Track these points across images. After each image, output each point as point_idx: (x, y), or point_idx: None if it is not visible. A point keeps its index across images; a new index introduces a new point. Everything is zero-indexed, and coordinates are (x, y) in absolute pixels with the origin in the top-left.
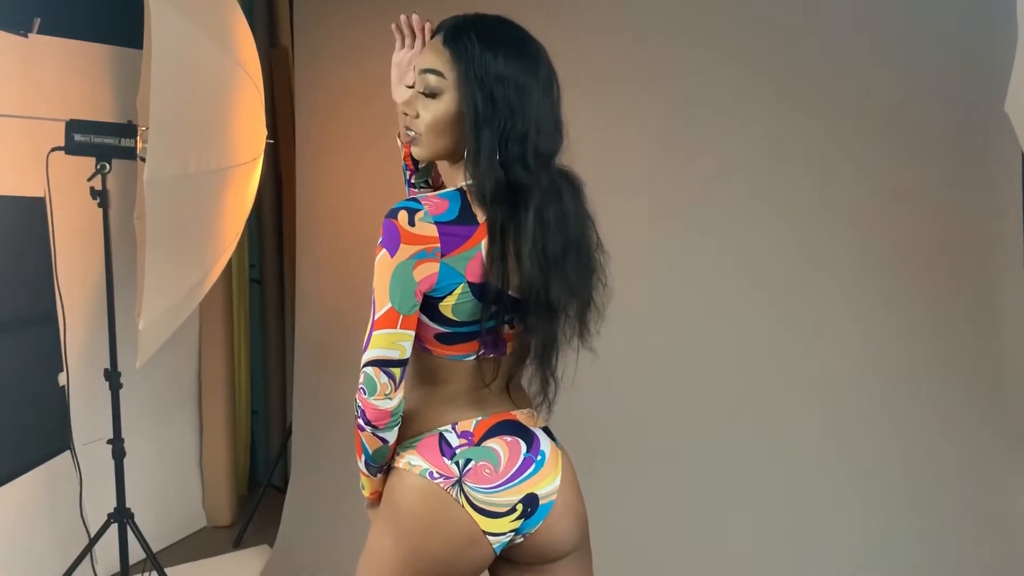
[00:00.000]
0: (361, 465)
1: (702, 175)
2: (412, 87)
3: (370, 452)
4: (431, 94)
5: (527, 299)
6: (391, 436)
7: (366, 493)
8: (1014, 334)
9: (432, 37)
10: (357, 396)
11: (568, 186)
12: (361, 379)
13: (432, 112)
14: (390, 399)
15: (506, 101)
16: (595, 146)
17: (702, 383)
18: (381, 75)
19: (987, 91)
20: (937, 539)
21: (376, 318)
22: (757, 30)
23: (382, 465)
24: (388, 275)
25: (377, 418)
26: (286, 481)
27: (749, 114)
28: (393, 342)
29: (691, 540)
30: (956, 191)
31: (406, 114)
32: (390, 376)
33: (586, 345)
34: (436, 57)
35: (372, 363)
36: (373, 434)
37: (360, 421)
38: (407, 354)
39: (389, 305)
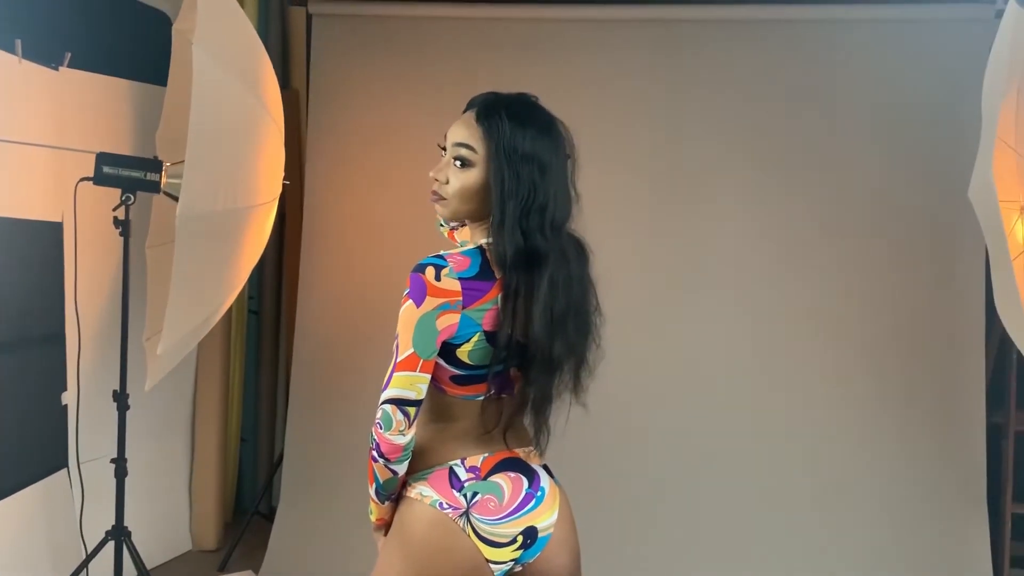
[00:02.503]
0: (372, 492)
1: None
2: (443, 149)
3: (381, 482)
4: (463, 164)
5: (531, 352)
6: (401, 469)
7: (373, 519)
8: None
9: (464, 112)
10: (373, 430)
11: (575, 251)
12: (378, 415)
13: (461, 181)
14: (403, 435)
15: (530, 177)
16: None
17: (679, 428)
18: (394, 120)
19: (957, 176)
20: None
21: (398, 360)
22: (750, 111)
23: (391, 494)
24: (413, 324)
25: (390, 451)
26: (271, 509)
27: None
28: (411, 383)
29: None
30: (923, 265)
31: (436, 180)
32: (405, 414)
33: (579, 400)
34: (469, 133)
35: (390, 401)
36: (385, 466)
37: (374, 453)
38: (422, 395)
39: (411, 350)
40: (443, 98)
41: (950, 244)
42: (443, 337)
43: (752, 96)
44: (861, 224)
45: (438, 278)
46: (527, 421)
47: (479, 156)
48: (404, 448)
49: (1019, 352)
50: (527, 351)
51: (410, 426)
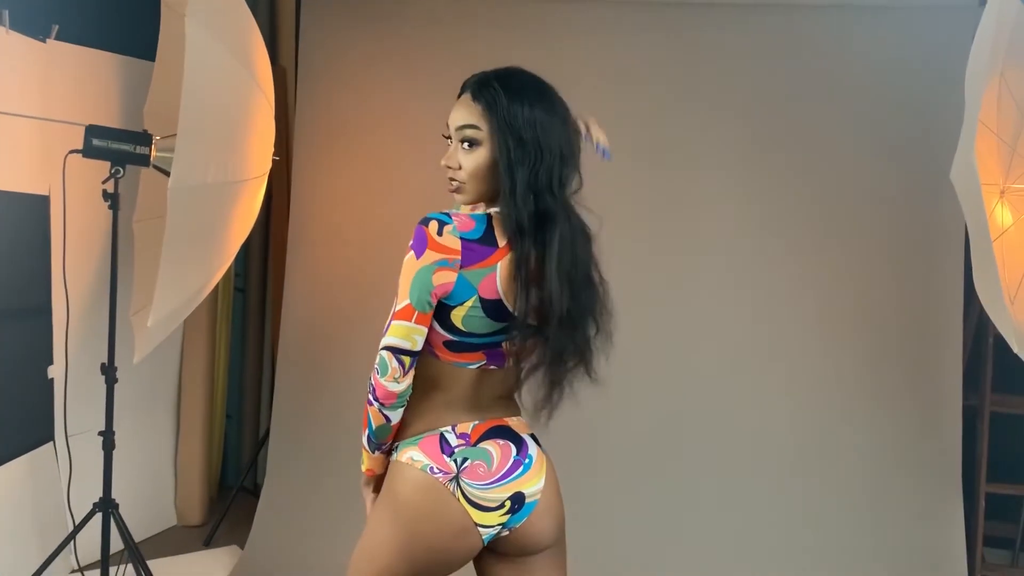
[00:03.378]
0: (364, 439)
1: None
2: (448, 139)
3: (373, 427)
4: (470, 144)
5: (548, 313)
6: (394, 416)
7: (363, 468)
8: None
9: (459, 96)
10: (372, 375)
11: (573, 212)
12: (377, 360)
13: (473, 161)
14: (398, 382)
15: (534, 140)
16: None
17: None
18: (383, 99)
19: (943, 157)
20: (866, 560)
21: (396, 309)
22: (732, 98)
23: (382, 443)
24: (412, 274)
25: (385, 397)
26: (256, 485)
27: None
28: (407, 334)
29: (653, 538)
30: (902, 249)
31: (448, 167)
32: (400, 363)
33: (590, 373)
34: (469, 112)
35: (387, 348)
36: (380, 411)
37: (370, 396)
38: (418, 347)
39: (408, 301)
40: (434, 76)
41: (929, 229)
42: (438, 294)
43: (732, 83)
44: (841, 209)
45: (440, 233)
46: (534, 386)
47: (484, 133)
48: (398, 395)
49: (995, 337)
50: (541, 314)
51: (404, 374)
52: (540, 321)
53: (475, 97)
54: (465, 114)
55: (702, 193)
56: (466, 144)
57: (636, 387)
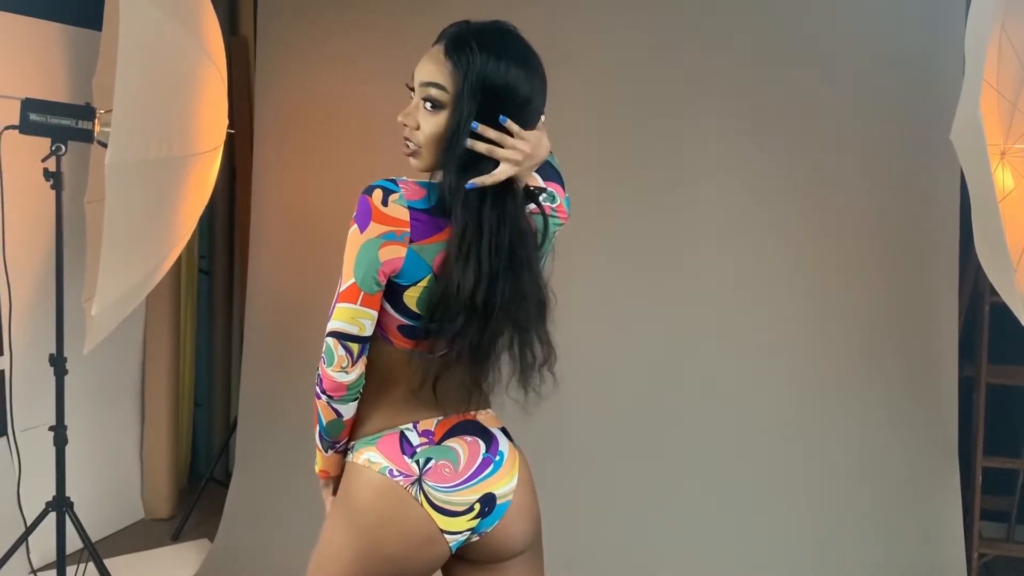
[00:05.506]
0: (316, 437)
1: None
2: (411, 90)
3: (324, 423)
4: (433, 106)
5: (490, 295)
6: (346, 411)
7: (316, 468)
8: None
9: (433, 45)
10: (319, 364)
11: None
12: (323, 348)
13: (433, 126)
14: (346, 373)
15: (505, 111)
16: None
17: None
18: (345, 70)
19: (937, 120)
20: (862, 534)
21: (340, 290)
22: (720, 64)
23: (335, 441)
24: (356, 250)
25: (332, 389)
26: (227, 475)
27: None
28: (353, 317)
29: (638, 542)
30: (896, 221)
31: (405, 125)
32: (348, 351)
33: (525, 387)
34: (437, 69)
35: (332, 334)
36: (328, 404)
37: (318, 389)
38: (366, 332)
39: (352, 280)
40: (401, 48)
41: (924, 199)
42: (387, 271)
43: (721, 49)
44: (832, 175)
45: (385, 203)
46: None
47: (450, 96)
48: (348, 387)
49: (991, 305)
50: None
51: (353, 364)
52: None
53: (447, 53)
54: (432, 70)
55: (683, 158)
56: (428, 104)
57: (608, 382)
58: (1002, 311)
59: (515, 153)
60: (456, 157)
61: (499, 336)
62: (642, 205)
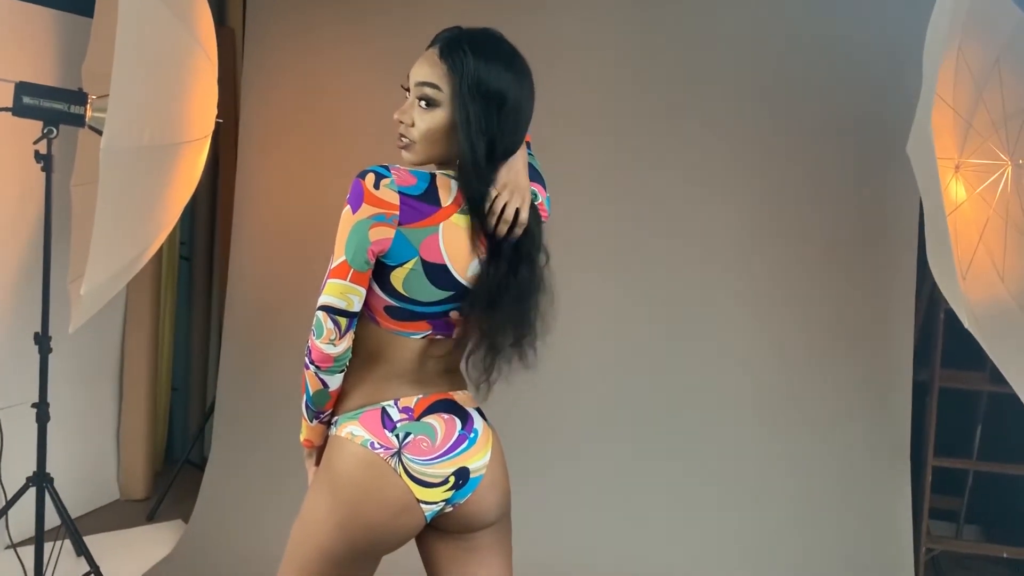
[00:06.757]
0: (302, 407)
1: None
2: (407, 91)
3: (311, 393)
4: (428, 104)
5: (495, 289)
6: (332, 382)
7: (301, 437)
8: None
9: (427, 48)
10: (309, 336)
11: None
12: (313, 321)
13: (427, 122)
14: (334, 345)
15: (498, 112)
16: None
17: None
18: (331, 62)
19: (897, 133)
20: (817, 529)
21: (332, 267)
22: (679, 70)
23: (320, 411)
24: (348, 230)
25: (320, 360)
26: (203, 459)
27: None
28: (343, 293)
29: (599, 511)
30: (854, 225)
31: (401, 122)
32: (336, 324)
33: (524, 361)
34: (432, 70)
35: (322, 308)
36: (316, 374)
37: (307, 359)
38: (355, 307)
39: (343, 258)
40: (387, 40)
41: (883, 204)
42: (375, 251)
43: (681, 57)
44: (798, 191)
45: (376, 186)
46: (470, 363)
47: (444, 95)
48: (335, 359)
49: (946, 312)
50: (472, 293)
51: (341, 337)
52: (489, 297)
53: (442, 55)
54: (428, 71)
55: (646, 164)
56: (423, 102)
57: (585, 372)
58: (956, 318)
59: (512, 199)
60: (475, 156)
61: (505, 324)
62: (609, 208)
